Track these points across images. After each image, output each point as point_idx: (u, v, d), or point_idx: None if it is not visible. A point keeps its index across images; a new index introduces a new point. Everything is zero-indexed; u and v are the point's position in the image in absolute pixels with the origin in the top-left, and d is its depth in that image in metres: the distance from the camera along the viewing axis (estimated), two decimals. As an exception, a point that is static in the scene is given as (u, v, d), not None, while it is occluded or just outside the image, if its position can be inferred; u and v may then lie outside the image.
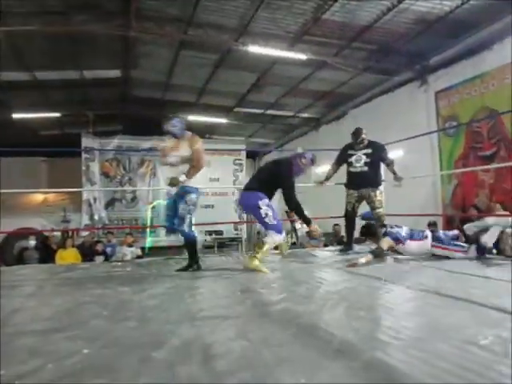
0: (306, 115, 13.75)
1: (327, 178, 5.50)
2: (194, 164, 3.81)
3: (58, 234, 11.12)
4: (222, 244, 13.94)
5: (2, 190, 4.00)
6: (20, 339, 1.87)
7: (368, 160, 5.08)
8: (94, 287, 3.13)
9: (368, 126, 10.34)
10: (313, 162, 4.27)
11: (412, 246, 4.43)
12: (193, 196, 3.87)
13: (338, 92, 11.33)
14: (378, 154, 5.12)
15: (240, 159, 15.13)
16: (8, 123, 11.50)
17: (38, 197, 14.27)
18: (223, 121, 13.65)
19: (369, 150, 5.11)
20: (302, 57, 8.48)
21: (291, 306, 2.34)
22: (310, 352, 1.59)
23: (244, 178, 15.26)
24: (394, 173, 5.12)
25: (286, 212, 12.23)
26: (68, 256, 8.42)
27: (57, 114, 12.20)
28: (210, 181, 14.61)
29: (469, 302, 2.30)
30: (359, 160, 5.11)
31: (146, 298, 2.72)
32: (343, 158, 5.34)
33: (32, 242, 9.00)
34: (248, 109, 13.02)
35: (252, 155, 18.59)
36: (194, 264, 3.90)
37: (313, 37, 8.14)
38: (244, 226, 15.07)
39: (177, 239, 13.41)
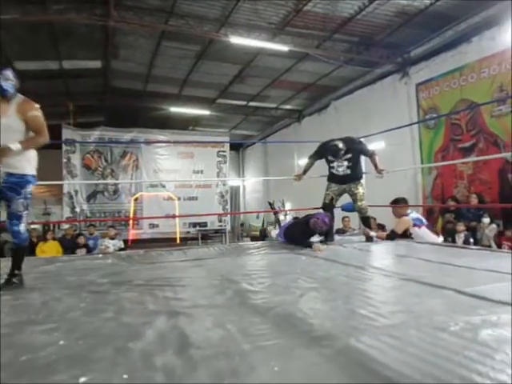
0: (288, 107, 13.78)
1: (305, 172, 5.52)
2: (35, 133, 3.12)
3: (39, 226, 10.98)
4: (206, 236, 13.93)
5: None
6: (-6, 332, 1.85)
7: (350, 164, 5.05)
8: (73, 280, 3.10)
9: (350, 118, 10.60)
10: None
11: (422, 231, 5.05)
12: (30, 187, 2.95)
13: (320, 84, 11.36)
14: (357, 153, 5.11)
15: (224, 151, 15.11)
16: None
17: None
18: (206, 112, 13.60)
19: (349, 155, 5.02)
20: (284, 48, 8.47)
21: (271, 296, 2.36)
22: (285, 340, 1.62)
23: (227, 170, 15.27)
24: (376, 166, 5.16)
25: (269, 203, 12.27)
26: (49, 249, 8.33)
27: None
28: (194, 173, 14.58)
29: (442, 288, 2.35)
30: (341, 165, 5.07)
31: (125, 290, 2.71)
32: (322, 157, 5.30)
33: (11, 235, 8.85)
34: (231, 100, 12.98)
35: (236, 147, 18.59)
36: (17, 276, 2.89)
37: (295, 28, 8.14)
38: (228, 218, 15.08)
39: (158, 231, 13.49)
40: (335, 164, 5.10)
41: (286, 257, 4.08)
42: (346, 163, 5.04)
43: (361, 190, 5.15)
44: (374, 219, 6.63)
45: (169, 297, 2.44)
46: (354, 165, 5.09)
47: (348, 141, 5.07)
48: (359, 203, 5.13)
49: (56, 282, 3.08)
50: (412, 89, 9.15)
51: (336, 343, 1.54)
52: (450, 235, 6.85)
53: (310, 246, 4.38)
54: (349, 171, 5.07)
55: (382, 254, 4.29)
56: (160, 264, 3.80)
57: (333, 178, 5.25)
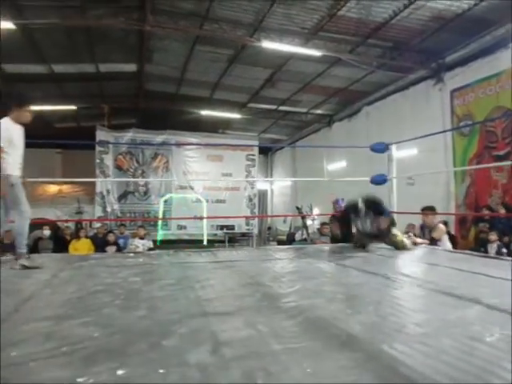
0: (318, 112, 13.75)
1: None
2: None
3: (72, 225, 11.30)
4: (233, 239, 14.00)
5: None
6: (34, 323, 1.93)
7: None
8: (106, 277, 3.18)
9: (381, 124, 10.48)
10: None
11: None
12: None
13: (352, 89, 11.30)
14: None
15: (253, 155, 15.18)
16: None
17: (53, 188, 14.48)
18: (236, 116, 13.71)
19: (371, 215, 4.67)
20: (317, 53, 8.47)
21: (300, 300, 2.36)
22: (316, 343, 1.62)
23: (256, 174, 15.33)
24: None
25: (297, 208, 12.25)
26: (81, 247, 8.56)
27: (72, 107, 12.37)
28: (223, 176, 14.70)
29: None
30: (365, 224, 4.68)
31: (157, 288, 2.77)
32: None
33: (47, 232, 9.15)
34: (261, 104, 13.06)
35: (264, 151, 18.64)
36: None
37: (328, 33, 8.14)
38: (255, 221, 15.11)
39: (186, 232, 13.65)
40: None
41: (315, 262, 4.07)
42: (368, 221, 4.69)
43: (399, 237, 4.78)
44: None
45: (199, 297, 2.48)
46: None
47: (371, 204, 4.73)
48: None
49: (90, 278, 3.17)
50: (446, 95, 8.99)
51: (367, 348, 1.54)
52: (482, 245, 6.69)
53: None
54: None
55: (412, 261, 4.22)
56: (190, 264, 3.85)
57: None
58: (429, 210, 5.44)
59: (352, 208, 4.71)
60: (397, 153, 5.55)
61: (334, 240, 5.38)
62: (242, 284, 2.92)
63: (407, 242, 4.79)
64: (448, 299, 2.37)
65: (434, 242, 5.14)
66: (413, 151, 9.13)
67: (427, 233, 5.33)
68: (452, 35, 8.07)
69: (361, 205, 4.62)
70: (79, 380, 1.30)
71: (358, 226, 4.69)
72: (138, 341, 1.68)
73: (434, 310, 2.17)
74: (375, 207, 4.67)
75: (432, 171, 8.48)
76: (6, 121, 3.73)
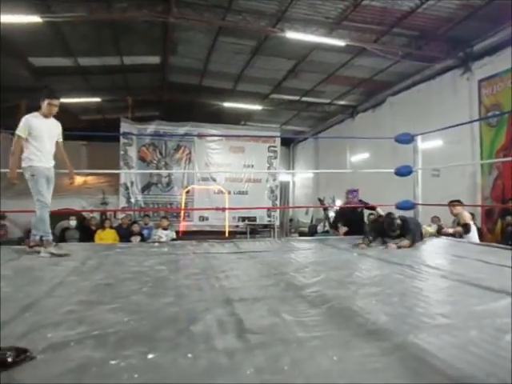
0: (342, 103, 13.60)
1: None
2: None
3: (97, 215, 11.51)
4: (255, 230, 14.04)
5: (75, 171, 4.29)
6: (66, 307, 1.99)
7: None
8: (133, 265, 3.26)
9: (406, 115, 10.33)
10: None
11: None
12: None
13: (377, 79, 11.13)
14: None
15: (274, 146, 15.12)
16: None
17: (79, 179, 14.73)
18: (258, 107, 13.68)
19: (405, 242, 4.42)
20: (341, 43, 8.36)
21: (324, 290, 2.37)
22: (342, 332, 1.63)
23: (278, 166, 15.29)
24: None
25: (319, 200, 12.17)
26: (106, 236, 8.73)
27: (97, 99, 12.55)
28: (245, 167, 14.72)
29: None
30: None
31: (183, 277, 2.82)
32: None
33: (73, 223, 9.35)
34: (284, 95, 12.98)
35: (286, 142, 18.56)
36: None
37: (352, 23, 8.02)
38: (277, 213, 15.10)
39: (207, 224, 13.74)
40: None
41: (338, 253, 4.07)
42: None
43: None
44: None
45: (224, 286, 2.51)
46: None
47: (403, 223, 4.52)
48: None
49: (118, 266, 3.25)
50: (474, 85, 8.77)
51: (393, 338, 1.54)
52: (510, 238, 6.56)
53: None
54: None
55: (437, 254, 4.17)
56: (214, 255, 3.90)
57: None
58: (456, 202, 5.46)
59: (388, 221, 4.50)
60: (422, 144, 5.46)
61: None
62: (265, 274, 2.94)
63: (430, 229, 4.84)
64: (474, 291, 2.34)
65: (466, 229, 5.13)
66: (438, 142, 8.96)
67: (455, 225, 5.34)
68: (480, 23, 7.84)
69: (398, 222, 4.42)
70: (112, 362, 1.35)
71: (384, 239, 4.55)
72: (166, 327, 1.72)
73: (459, 301, 2.15)
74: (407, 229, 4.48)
75: (458, 163, 8.31)
76: (34, 114, 3.87)
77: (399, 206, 5.37)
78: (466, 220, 5.28)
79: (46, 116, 3.90)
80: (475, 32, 8.18)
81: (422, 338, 1.53)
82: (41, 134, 3.83)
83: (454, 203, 5.46)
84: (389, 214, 4.56)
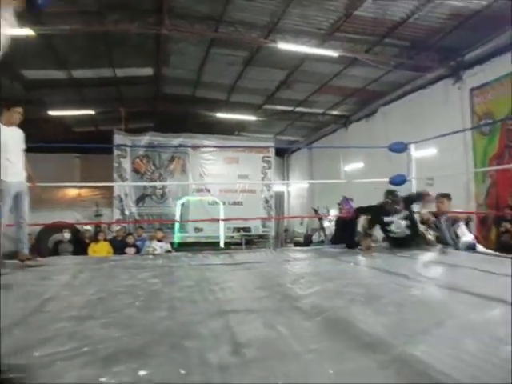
0: (335, 112, 13.67)
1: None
2: None
3: (91, 227, 11.43)
4: (250, 241, 13.99)
5: (38, 184, 4.17)
6: (57, 323, 1.95)
7: (408, 223, 4.66)
8: (126, 278, 3.21)
9: (399, 124, 10.37)
10: None
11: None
12: None
13: (369, 89, 11.21)
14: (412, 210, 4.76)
15: (269, 157, 15.15)
16: (44, 120, 11.86)
17: (72, 192, 14.69)
18: (252, 118, 13.72)
19: (406, 212, 4.66)
20: (333, 54, 8.42)
21: (319, 301, 2.34)
22: (338, 344, 1.60)
23: (272, 176, 15.30)
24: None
25: (314, 209, 12.16)
26: (100, 249, 8.65)
27: (91, 112, 12.52)
28: (239, 178, 14.71)
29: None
30: (400, 226, 4.66)
31: (176, 289, 2.77)
32: (378, 222, 4.85)
33: (66, 235, 9.29)
34: (277, 106, 13.04)
35: (281, 152, 18.59)
36: None
37: (344, 33, 8.09)
38: (272, 223, 15.08)
39: (202, 235, 13.68)
40: (393, 227, 4.66)
41: (334, 263, 4.04)
42: (404, 222, 4.63)
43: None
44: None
45: (219, 298, 2.48)
46: (413, 223, 4.70)
47: (404, 197, 4.74)
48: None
49: (110, 279, 3.20)
50: (466, 94, 8.85)
51: (391, 349, 1.51)
52: (504, 245, 6.54)
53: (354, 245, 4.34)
54: (408, 231, 4.66)
55: (432, 263, 4.15)
56: (208, 266, 3.86)
57: (390, 242, 4.85)
58: (444, 197, 5.13)
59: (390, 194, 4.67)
60: (416, 153, 5.48)
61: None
62: (260, 285, 2.90)
63: (430, 237, 4.81)
64: (471, 300, 2.32)
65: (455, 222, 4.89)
66: (432, 151, 9.00)
67: (445, 222, 4.99)
68: (471, 33, 7.93)
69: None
70: (102, 380, 1.31)
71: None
72: (159, 341, 1.68)
73: (456, 310, 2.13)
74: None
75: (452, 172, 8.32)
76: None
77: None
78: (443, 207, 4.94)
79: (10, 124, 3.74)
80: (466, 41, 8.28)
81: (420, 349, 1.50)
82: (8, 146, 3.58)
83: (441, 198, 5.09)
84: (390, 191, 4.65)
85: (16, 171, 3.71)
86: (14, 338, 1.74)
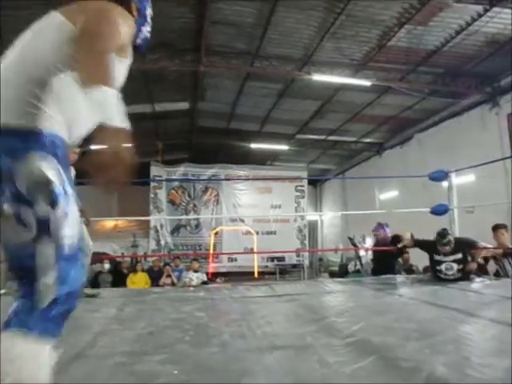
0: (368, 140, 13.62)
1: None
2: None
3: (128, 258, 11.63)
4: (284, 270, 13.88)
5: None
6: (112, 359, 1.98)
7: (460, 267, 4.42)
8: (172, 312, 3.24)
9: (434, 151, 10.23)
10: None
11: None
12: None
13: (403, 116, 11.15)
14: (467, 254, 4.53)
15: (302, 186, 15.16)
16: (82, 154, 12.27)
17: (110, 223, 15.03)
18: (285, 148, 13.82)
19: (459, 256, 4.41)
20: (367, 83, 8.47)
21: (370, 337, 2.29)
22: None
23: (306, 205, 15.25)
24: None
25: (350, 238, 12.00)
26: (138, 280, 8.76)
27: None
28: (272, 207, 14.74)
29: None
30: (450, 269, 4.43)
31: (223, 323, 2.78)
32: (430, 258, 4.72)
33: (106, 266, 9.46)
34: (310, 135, 13.11)
35: (314, 181, 18.57)
36: None
37: (377, 63, 8.15)
38: (306, 253, 14.96)
39: (236, 265, 13.67)
40: (443, 267, 4.44)
41: (378, 295, 3.96)
42: (455, 266, 4.41)
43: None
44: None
45: (267, 332, 2.47)
46: (465, 267, 4.48)
47: (458, 239, 4.58)
48: None
49: (156, 312, 3.24)
50: (503, 119, 8.69)
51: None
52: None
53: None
54: (459, 275, 4.42)
55: (486, 295, 3.99)
56: (251, 299, 3.85)
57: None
58: (503, 228, 4.94)
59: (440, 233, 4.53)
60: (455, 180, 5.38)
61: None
62: (307, 319, 2.88)
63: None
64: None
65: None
66: (470, 177, 8.80)
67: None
68: (506, 58, 7.84)
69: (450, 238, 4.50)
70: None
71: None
72: (217, 378, 1.69)
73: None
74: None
75: (493, 201, 8.07)
76: None
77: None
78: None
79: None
80: (501, 67, 8.18)
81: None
82: None
83: (501, 230, 4.90)
84: (443, 229, 4.51)
85: None
86: (70, 374, 1.77)
